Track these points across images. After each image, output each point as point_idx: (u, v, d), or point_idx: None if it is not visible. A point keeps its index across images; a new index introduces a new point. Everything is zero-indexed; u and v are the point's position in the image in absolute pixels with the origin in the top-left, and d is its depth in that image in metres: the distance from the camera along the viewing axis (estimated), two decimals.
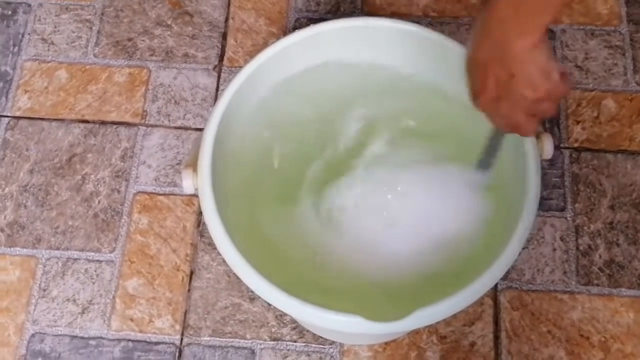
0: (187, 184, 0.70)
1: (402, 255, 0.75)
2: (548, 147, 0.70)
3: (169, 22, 1.10)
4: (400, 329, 0.65)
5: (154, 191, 0.99)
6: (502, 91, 0.57)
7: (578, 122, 1.02)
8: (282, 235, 0.78)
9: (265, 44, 1.08)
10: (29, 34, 1.10)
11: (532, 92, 0.56)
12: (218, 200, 0.69)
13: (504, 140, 0.67)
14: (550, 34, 1.07)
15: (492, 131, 0.67)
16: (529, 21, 0.54)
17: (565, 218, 0.96)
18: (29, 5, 1.12)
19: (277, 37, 1.09)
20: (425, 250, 0.74)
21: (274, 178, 0.81)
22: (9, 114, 1.04)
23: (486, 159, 0.70)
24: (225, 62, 1.08)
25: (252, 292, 0.68)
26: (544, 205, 0.96)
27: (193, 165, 0.71)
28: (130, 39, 1.09)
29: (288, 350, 0.90)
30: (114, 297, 0.93)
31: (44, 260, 0.95)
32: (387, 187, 0.76)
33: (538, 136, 0.71)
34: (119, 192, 0.99)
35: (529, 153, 0.69)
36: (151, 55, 1.08)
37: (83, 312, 0.92)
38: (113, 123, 1.04)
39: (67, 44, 1.09)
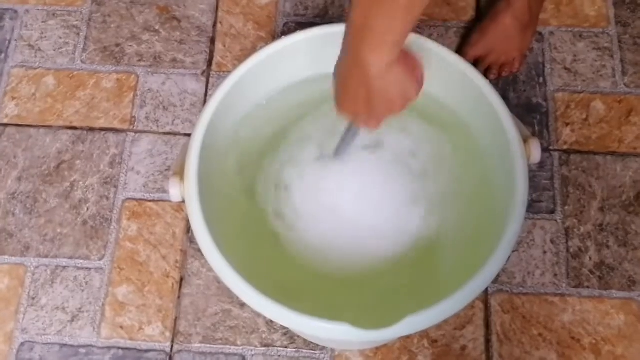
0: (174, 193, 0.70)
1: (389, 252, 0.75)
2: (535, 152, 0.70)
3: (156, 27, 1.10)
4: (390, 336, 0.65)
5: (143, 198, 0.98)
6: (360, 104, 0.61)
7: (567, 125, 1.02)
8: (270, 239, 0.77)
9: (254, 49, 1.08)
10: (15, 40, 1.10)
11: (387, 110, 0.61)
12: (205, 208, 0.68)
13: (359, 132, 0.71)
14: (539, 36, 1.07)
15: (349, 124, 0.71)
16: (380, 38, 0.55)
17: (555, 220, 0.96)
18: (16, 12, 1.12)
19: (266, 42, 1.09)
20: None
21: (261, 183, 0.81)
22: None
23: (341, 147, 0.74)
24: (213, 67, 1.07)
25: None
26: (533, 207, 0.96)
27: (180, 173, 0.71)
28: (118, 45, 1.09)
29: (279, 356, 0.89)
30: (103, 304, 0.92)
31: (32, 269, 0.95)
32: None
33: (526, 141, 0.71)
34: (107, 199, 0.98)
35: (517, 158, 0.69)
36: (139, 60, 1.08)
37: (72, 320, 0.92)
38: (101, 129, 1.03)
39: (54, 50, 1.09)
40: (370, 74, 0.57)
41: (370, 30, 0.54)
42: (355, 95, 0.61)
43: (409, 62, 0.60)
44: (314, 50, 0.80)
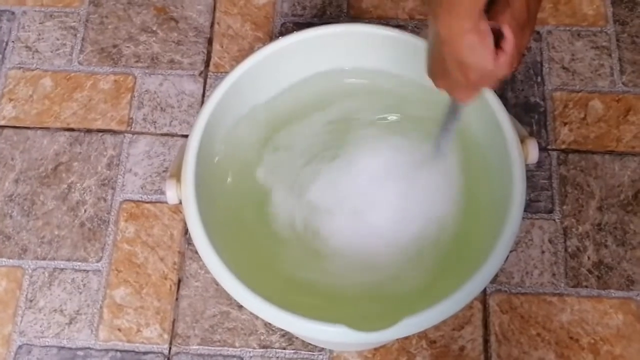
0: (171, 195, 0.70)
1: (386, 253, 0.75)
2: (533, 152, 0.70)
3: (154, 28, 1.10)
4: (387, 338, 0.65)
5: (140, 199, 0.98)
6: (438, 68, 0.61)
7: (565, 124, 1.01)
8: (268, 240, 0.77)
9: (252, 49, 1.08)
10: (12, 41, 1.09)
11: (463, 77, 0.59)
12: (202, 210, 0.68)
13: (460, 108, 0.68)
14: (537, 35, 1.07)
15: (450, 101, 0.68)
16: (454, 7, 0.54)
17: (554, 220, 0.96)
18: (13, 13, 1.11)
19: (264, 42, 1.09)
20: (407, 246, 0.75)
21: (260, 185, 0.81)
22: None
23: (444, 127, 0.72)
24: (211, 67, 1.07)
25: None
26: (531, 207, 0.96)
27: (177, 175, 0.71)
28: (115, 46, 1.09)
29: (277, 357, 0.89)
30: (101, 307, 0.92)
31: (30, 271, 0.94)
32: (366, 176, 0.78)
33: (523, 141, 0.71)
34: (105, 200, 0.98)
35: (514, 158, 0.69)
36: (136, 61, 1.07)
37: (70, 323, 0.92)
38: (99, 131, 1.03)
39: (51, 52, 1.08)
40: (442, 41, 0.56)
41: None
42: (434, 62, 0.61)
43: (486, 32, 0.57)
44: (312, 51, 0.80)
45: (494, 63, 0.58)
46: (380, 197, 0.77)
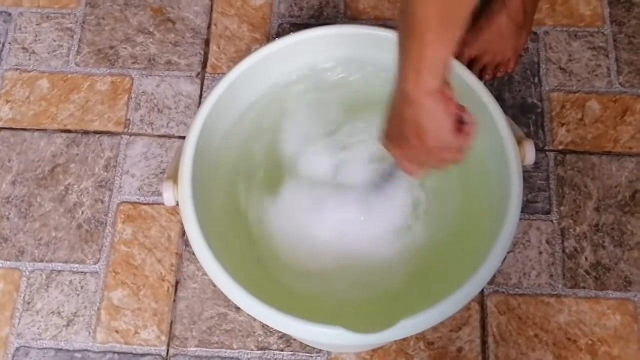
0: (168, 197, 0.70)
1: (384, 254, 0.75)
2: (530, 153, 0.70)
3: (151, 30, 1.10)
4: (385, 339, 0.65)
5: (137, 201, 0.98)
6: (393, 133, 0.59)
7: (562, 125, 1.01)
8: (265, 242, 0.77)
9: (249, 50, 1.08)
10: (9, 43, 1.09)
11: (420, 148, 0.58)
12: (199, 211, 0.68)
13: (397, 172, 0.69)
14: (534, 35, 1.07)
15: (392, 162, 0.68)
16: (414, 65, 0.53)
17: (551, 221, 0.96)
18: (9, 14, 1.11)
19: (260, 43, 1.08)
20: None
21: (257, 184, 0.81)
22: None
23: (379, 181, 0.74)
24: (208, 69, 1.07)
25: None
26: (529, 208, 0.96)
27: (174, 177, 0.71)
28: (112, 47, 1.08)
29: (275, 359, 0.89)
30: (98, 308, 0.92)
31: (27, 273, 0.94)
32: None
33: (520, 142, 0.71)
34: (102, 202, 0.98)
35: (511, 159, 0.69)
36: (133, 63, 1.07)
37: (68, 325, 0.91)
38: (96, 132, 1.03)
39: (48, 53, 1.08)
40: (404, 100, 0.55)
41: (405, 57, 0.53)
42: (391, 124, 0.59)
43: (450, 99, 0.56)
44: (309, 52, 0.79)
45: (453, 135, 0.56)
46: (374, 201, 0.77)
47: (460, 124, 0.57)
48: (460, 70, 0.73)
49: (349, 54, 0.80)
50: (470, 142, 0.58)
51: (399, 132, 0.58)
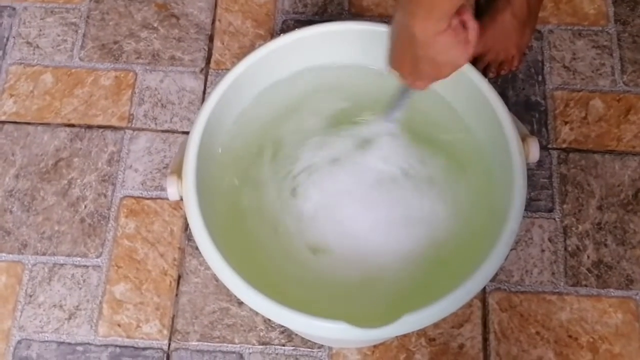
0: (172, 191, 0.70)
1: (386, 250, 0.75)
2: (534, 150, 0.70)
3: (155, 25, 1.10)
4: (387, 335, 0.65)
5: (140, 195, 0.98)
6: (407, 66, 0.62)
7: (566, 123, 1.02)
8: (269, 237, 0.77)
9: (253, 46, 1.08)
10: (13, 37, 1.09)
11: (434, 75, 0.61)
12: (203, 206, 0.68)
13: (411, 94, 0.71)
14: (538, 33, 1.07)
15: (400, 86, 0.70)
16: (427, 9, 0.55)
17: (554, 219, 0.96)
18: (14, 9, 1.11)
19: (264, 39, 1.08)
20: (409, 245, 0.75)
21: (260, 179, 0.81)
22: None
23: (392, 107, 0.74)
24: (212, 64, 1.07)
25: None
26: (532, 206, 0.96)
27: (178, 171, 0.71)
28: (116, 42, 1.09)
29: (277, 354, 0.89)
30: (101, 302, 0.92)
31: (30, 266, 0.94)
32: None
33: (524, 139, 0.71)
34: (105, 196, 0.98)
35: (515, 157, 0.69)
36: (137, 58, 1.07)
37: (70, 318, 0.92)
38: (99, 127, 1.03)
39: (52, 48, 1.08)
40: (416, 41, 0.57)
41: (417, 2, 0.55)
42: (403, 57, 0.61)
43: (459, 29, 0.58)
44: (313, 48, 0.80)
45: (466, 57, 0.59)
46: (379, 198, 0.77)
47: (464, 29, 0.59)
48: (464, 68, 0.73)
49: (352, 50, 0.80)
50: (474, 44, 0.60)
51: (413, 64, 0.60)
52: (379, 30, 0.77)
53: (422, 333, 0.90)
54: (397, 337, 0.90)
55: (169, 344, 0.90)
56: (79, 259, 0.95)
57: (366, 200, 0.77)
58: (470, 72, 0.73)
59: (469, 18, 0.59)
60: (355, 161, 0.78)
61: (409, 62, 0.61)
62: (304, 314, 0.63)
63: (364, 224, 0.77)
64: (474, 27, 0.59)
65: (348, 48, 0.80)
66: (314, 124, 0.81)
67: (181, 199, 0.70)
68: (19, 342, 0.90)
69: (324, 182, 0.77)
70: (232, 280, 0.65)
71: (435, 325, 0.90)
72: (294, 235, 0.77)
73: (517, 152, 0.69)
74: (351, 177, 0.78)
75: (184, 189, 0.69)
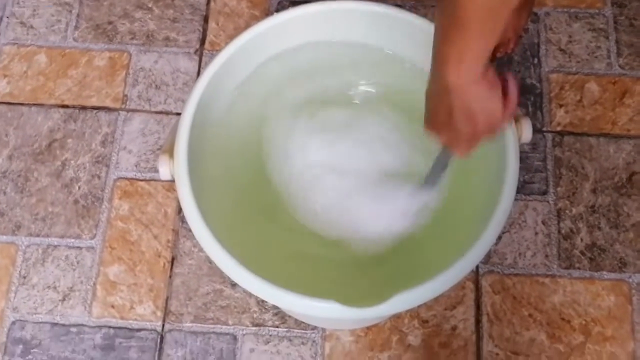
0: (164, 171, 0.70)
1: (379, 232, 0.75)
2: (527, 130, 0.70)
3: (149, 5, 1.09)
4: (378, 314, 0.65)
5: (134, 177, 0.98)
6: (442, 121, 0.59)
7: (561, 106, 1.01)
8: (262, 217, 0.77)
9: (248, 27, 1.07)
10: (7, 17, 1.09)
11: (470, 130, 0.58)
12: (195, 186, 0.68)
13: (451, 160, 0.67)
14: (534, 16, 1.07)
15: (441, 150, 0.66)
16: (458, 56, 0.53)
17: (547, 202, 0.96)
18: None
19: (260, 20, 1.07)
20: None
21: (254, 158, 0.81)
22: None
23: (433, 176, 0.70)
24: (206, 45, 1.06)
25: None
26: (526, 189, 0.96)
27: (170, 151, 0.70)
28: (110, 23, 1.08)
29: (270, 335, 0.89)
30: (94, 283, 0.92)
31: (23, 247, 0.94)
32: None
33: (517, 120, 0.71)
34: (99, 178, 0.98)
35: (508, 136, 0.68)
36: (132, 39, 1.07)
37: (64, 299, 0.92)
38: (93, 108, 1.02)
39: (46, 28, 1.08)
40: (450, 90, 0.55)
41: (448, 47, 0.53)
42: (438, 111, 0.59)
43: (495, 81, 0.57)
44: (306, 28, 0.79)
45: (502, 111, 0.57)
46: (374, 176, 0.77)
47: (504, 94, 0.58)
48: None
49: (346, 30, 0.80)
50: (515, 108, 0.59)
51: (448, 121, 0.58)
52: (373, 10, 0.77)
53: (415, 315, 0.90)
54: (390, 318, 0.90)
55: (163, 325, 0.90)
56: (72, 240, 0.95)
57: (364, 179, 0.76)
58: None
59: (510, 77, 0.58)
60: (356, 138, 0.78)
61: (444, 115, 0.58)
62: (295, 293, 0.63)
63: (361, 204, 0.76)
64: (513, 83, 0.58)
65: (342, 27, 0.80)
66: (309, 100, 0.80)
67: (173, 179, 0.70)
68: (13, 323, 0.91)
69: (323, 157, 0.77)
70: (223, 260, 0.65)
71: (428, 307, 0.90)
72: (288, 215, 0.77)
73: (509, 132, 0.68)
74: (351, 153, 0.78)
75: (175, 168, 0.69)
